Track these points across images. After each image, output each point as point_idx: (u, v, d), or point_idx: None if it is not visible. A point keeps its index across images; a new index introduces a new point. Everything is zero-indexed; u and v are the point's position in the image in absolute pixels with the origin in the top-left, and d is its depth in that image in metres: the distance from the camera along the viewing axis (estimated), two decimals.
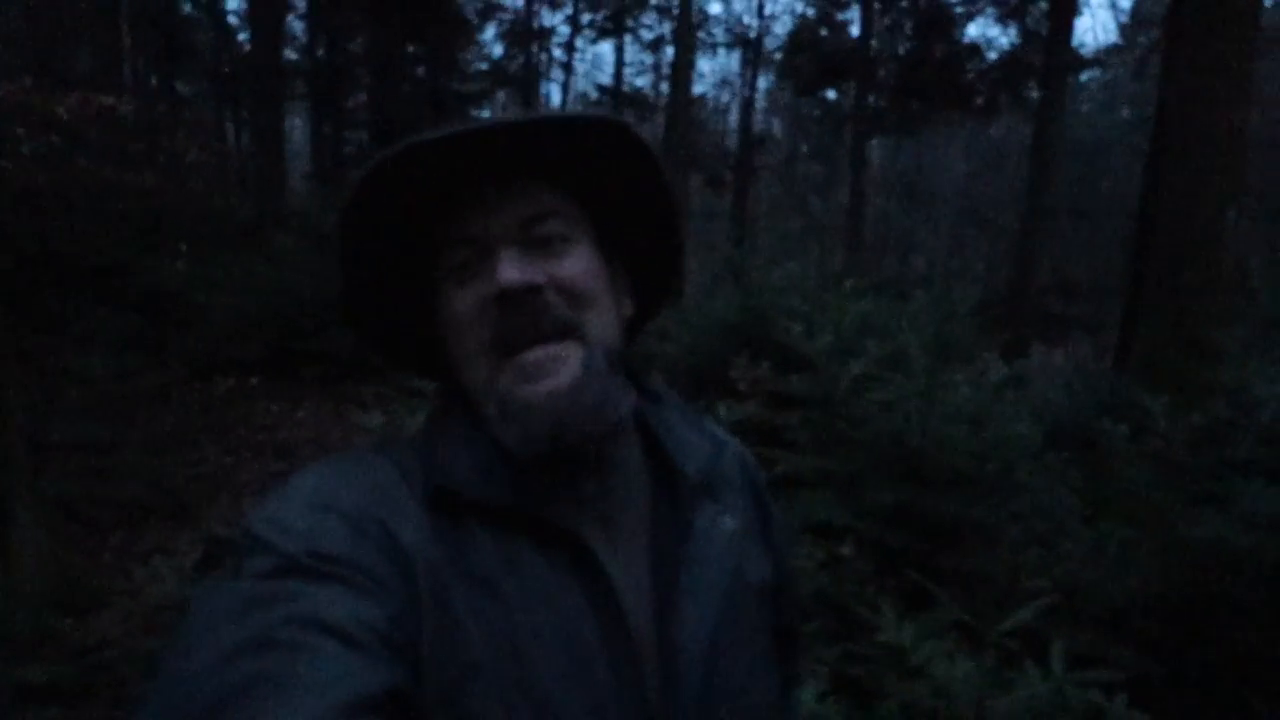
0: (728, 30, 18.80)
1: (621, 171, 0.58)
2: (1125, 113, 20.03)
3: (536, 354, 0.52)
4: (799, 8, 15.95)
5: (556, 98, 20.01)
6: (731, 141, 20.03)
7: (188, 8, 13.96)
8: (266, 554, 0.44)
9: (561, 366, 0.52)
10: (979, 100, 12.88)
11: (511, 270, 0.51)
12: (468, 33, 14.04)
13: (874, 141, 17.17)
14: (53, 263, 5.33)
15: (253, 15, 9.65)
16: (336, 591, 0.43)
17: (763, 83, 21.61)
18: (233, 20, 14.71)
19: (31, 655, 2.39)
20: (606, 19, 17.19)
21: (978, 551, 2.08)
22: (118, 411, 4.43)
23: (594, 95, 20.13)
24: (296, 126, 21.82)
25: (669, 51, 16.58)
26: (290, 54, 13.51)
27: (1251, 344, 2.67)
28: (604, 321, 0.56)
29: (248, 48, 12.16)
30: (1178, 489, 2.19)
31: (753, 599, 0.60)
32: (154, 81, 14.03)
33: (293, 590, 0.42)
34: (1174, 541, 1.99)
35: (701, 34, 17.36)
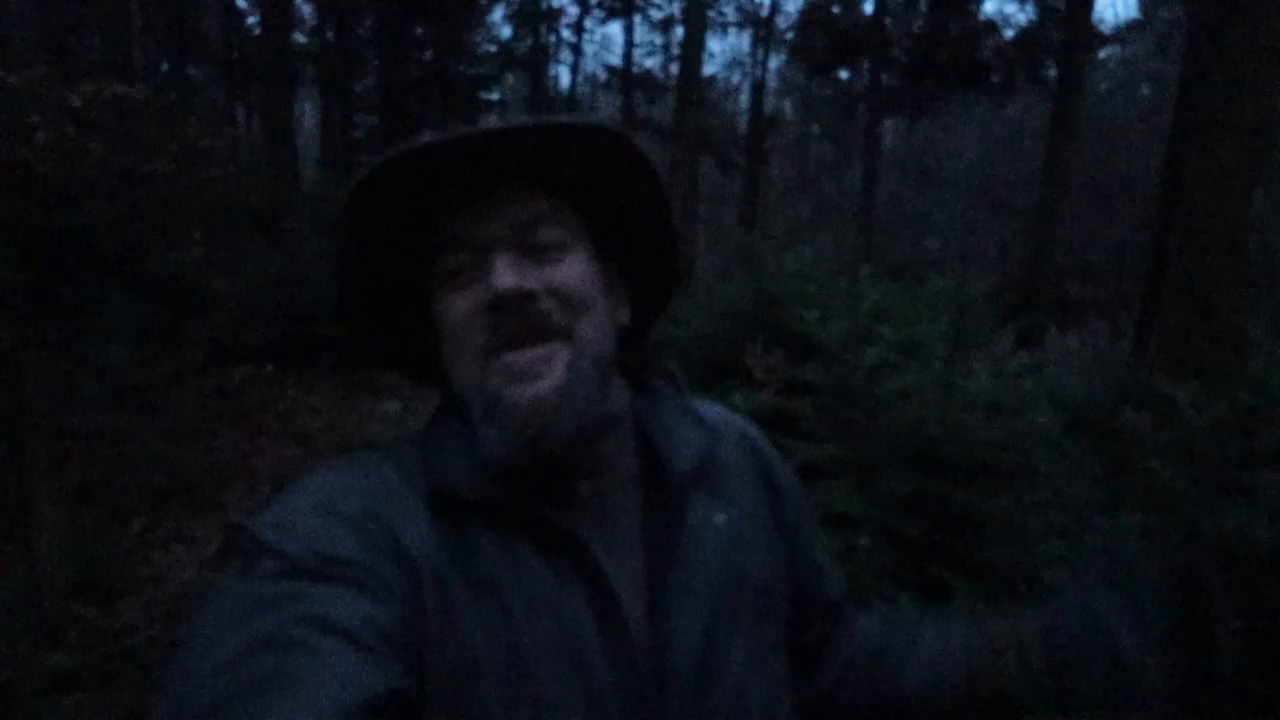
0: (738, 9, 18.54)
1: (618, 179, 0.57)
2: (1146, 90, 19.60)
3: (524, 355, 0.52)
4: None
5: (565, 79, 19.85)
6: (742, 123, 19.80)
7: None
8: (272, 557, 0.45)
9: (546, 369, 0.52)
10: (995, 78, 12.63)
11: (506, 276, 0.51)
12: (476, 14, 13.92)
13: (887, 122, 16.92)
14: (68, 251, 5.36)
15: None
16: (343, 593, 0.43)
17: (774, 63, 21.35)
18: (242, 4, 14.68)
19: (55, 642, 2.44)
20: None
21: (997, 543, 2.07)
22: (136, 399, 4.48)
23: (603, 76, 19.94)
24: (306, 112, 21.80)
25: (679, 31, 16.32)
26: (299, 37, 13.48)
27: (1278, 331, 2.61)
28: (597, 327, 0.56)
29: (257, 31, 12.13)
30: (1201, 480, 2.16)
31: (755, 591, 0.59)
32: (165, 67, 14.03)
33: (300, 591, 0.42)
34: (1196, 534, 1.96)
35: (712, 13, 17.10)
